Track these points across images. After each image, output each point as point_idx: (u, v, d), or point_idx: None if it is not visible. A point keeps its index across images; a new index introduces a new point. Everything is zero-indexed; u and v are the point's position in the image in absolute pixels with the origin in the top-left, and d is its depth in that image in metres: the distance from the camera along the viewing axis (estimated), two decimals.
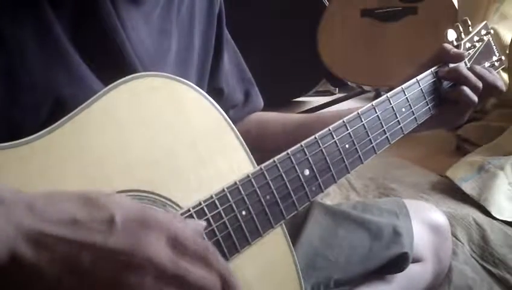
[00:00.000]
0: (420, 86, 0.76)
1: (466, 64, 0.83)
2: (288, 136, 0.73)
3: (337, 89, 2.61)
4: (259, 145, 0.75)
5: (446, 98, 0.80)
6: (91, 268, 0.43)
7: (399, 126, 0.73)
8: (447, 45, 0.81)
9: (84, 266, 0.43)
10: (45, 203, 0.44)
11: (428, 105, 0.78)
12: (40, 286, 0.43)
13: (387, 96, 0.72)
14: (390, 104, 0.72)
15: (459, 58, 0.81)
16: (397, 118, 0.73)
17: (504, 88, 0.81)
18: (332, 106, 2.29)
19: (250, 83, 0.89)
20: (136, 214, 0.45)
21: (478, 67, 0.81)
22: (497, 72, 0.89)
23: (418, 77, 0.77)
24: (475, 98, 0.78)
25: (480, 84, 0.79)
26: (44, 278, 0.42)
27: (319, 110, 2.27)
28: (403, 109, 0.74)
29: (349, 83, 2.25)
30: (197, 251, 0.46)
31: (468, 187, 1.38)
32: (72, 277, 0.43)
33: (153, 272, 0.44)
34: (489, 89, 0.80)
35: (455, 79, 0.79)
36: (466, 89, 0.78)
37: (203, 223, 0.51)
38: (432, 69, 0.79)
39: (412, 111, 0.75)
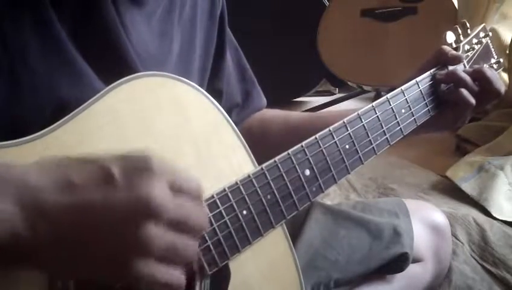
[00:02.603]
0: (420, 88, 0.77)
1: (465, 66, 0.83)
2: (289, 134, 0.72)
3: (337, 89, 2.61)
4: (262, 143, 0.75)
5: (445, 100, 0.80)
6: (96, 231, 0.42)
7: (398, 127, 0.73)
8: (445, 47, 0.81)
9: (91, 229, 0.42)
10: (39, 172, 0.43)
11: (427, 106, 0.78)
12: (44, 260, 0.42)
13: (387, 97, 0.72)
14: (390, 105, 0.72)
15: (457, 60, 0.81)
16: (397, 119, 0.73)
17: (503, 90, 0.81)
18: (332, 106, 2.29)
19: (251, 83, 0.88)
20: (133, 162, 0.44)
21: (485, 68, 0.80)
22: (498, 74, 0.89)
23: (418, 78, 0.77)
24: (472, 100, 0.78)
25: (475, 88, 0.79)
26: (46, 252, 0.42)
27: (319, 110, 2.28)
28: (403, 110, 0.74)
29: (349, 83, 2.25)
30: (193, 188, 0.47)
31: (468, 187, 1.38)
32: (80, 242, 0.42)
33: (163, 218, 0.43)
34: (489, 90, 0.80)
35: (453, 81, 0.79)
36: (464, 91, 0.78)
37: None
38: (431, 70, 0.79)
39: (412, 112, 0.75)
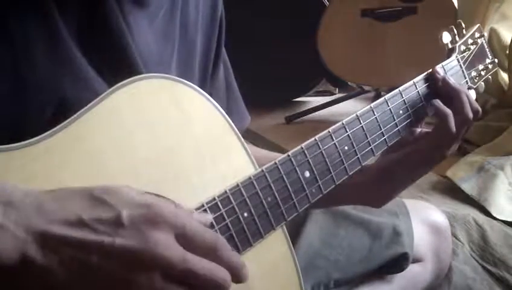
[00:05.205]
0: (417, 88, 0.75)
1: (461, 67, 0.83)
2: None
3: (337, 89, 2.61)
4: None
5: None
6: (100, 269, 0.43)
7: (396, 128, 0.73)
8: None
9: (93, 267, 0.43)
10: (52, 204, 0.44)
11: (425, 108, 0.76)
12: (49, 287, 0.43)
13: (385, 98, 0.73)
14: (388, 106, 0.72)
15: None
16: (395, 120, 0.73)
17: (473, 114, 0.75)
18: (332, 106, 2.29)
19: (234, 100, 0.84)
20: (143, 210, 0.45)
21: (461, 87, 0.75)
22: (498, 73, 0.90)
23: (415, 79, 0.75)
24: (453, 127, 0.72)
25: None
26: (53, 279, 0.43)
27: (319, 110, 2.28)
28: (401, 111, 0.74)
29: (349, 83, 2.25)
30: (206, 244, 0.46)
31: (468, 187, 1.39)
32: (81, 277, 0.43)
33: (162, 270, 0.44)
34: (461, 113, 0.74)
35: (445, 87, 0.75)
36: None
37: (210, 217, 0.51)
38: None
39: (409, 114, 0.74)
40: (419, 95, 0.76)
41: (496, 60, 0.89)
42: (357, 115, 0.68)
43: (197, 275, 0.45)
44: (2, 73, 0.54)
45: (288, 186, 0.61)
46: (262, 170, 0.60)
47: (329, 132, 0.65)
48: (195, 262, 0.45)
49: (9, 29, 0.54)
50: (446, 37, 0.83)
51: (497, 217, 1.29)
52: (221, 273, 0.46)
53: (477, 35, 0.87)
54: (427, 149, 0.74)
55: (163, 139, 0.57)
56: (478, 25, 0.88)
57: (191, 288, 0.45)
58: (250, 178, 0.59)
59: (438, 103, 0.74)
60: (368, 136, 0.69)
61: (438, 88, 0.76)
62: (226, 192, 0.56)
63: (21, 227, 0.42)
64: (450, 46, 0.83)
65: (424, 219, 0.95)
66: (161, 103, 0.57)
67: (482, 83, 0.86)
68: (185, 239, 0.45)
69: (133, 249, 0.43)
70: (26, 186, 0.46)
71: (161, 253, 0.44)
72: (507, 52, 1.75)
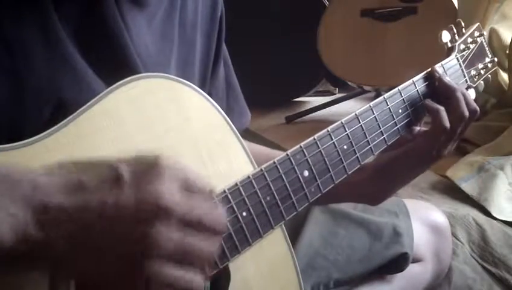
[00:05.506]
0: (416, 87, 0.76)
1: (461, 66, 0.83)
2: None
3: (337, 89, 2.61)
4: None
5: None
6: (106, 231, 0.42)
7: (396, 127, 0.73)
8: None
9: (98, 231, 0.42)
10: (48, 178, 0.43)
11: (424, 107, 0.76)
12: (54, 263, 0.42)
13: (384, 97, 0.72)
14: (387, 105, 0.72)
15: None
16: (394, 119, 0.73)
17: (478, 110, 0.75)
18: (332, 106, 2.29)
19: (235, 99, 0.84)
20: (143, 164, 0.44)
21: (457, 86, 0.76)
22: (498, 73, 0.90)
23: (414, 78, 0.76)
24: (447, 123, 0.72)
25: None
26: (55, 253, 0.42)
27: (319, 110, 2.28)
28: (400, 110, 0.74)
29: (349, 83, 2.26)
30: (205, 192, 0.46)
31: (468, 187, 1.38)
32: (85, 246, 0.42)
33: (173, 218, 0.42)
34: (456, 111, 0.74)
35: (441, 87, 0.76)
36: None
37: None
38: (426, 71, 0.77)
39: (409, 112, 0.74)
40: (419, 94, 0.76)
41: (496, 59, 0.89)
42: (356, 114, 0.68)
43: (203, 222, 0.44)
44: (0, 73, 0.54)
45: (287, 186, 0.61)
46: (261, 169, 0.60)
47: (328, 131, 0.65)
48: (203, 207, 0.44)
49: (6, 30, 0.54)
50: (445, 36, 0.83)
51: (497, 217, 1.29)
52: (223, 222, 0.46)
53: (476, 34, 0.87)
54: (424, 147, 0.74)
55: (162, 139, 0.57)
56: (478, 23, 0.88)
57: (198, 233, 0.44)
58: (249, 177, 0.58)
59: (428, 101, 0.75)
60: (367, 135, 0.69)
61: (435, 87, 0.76)
62: (224, 191, 0.56)
63: (17, 204, 0.41)
64: (449, 45, 0.83)
65: (424, 219, 0.95)
66: (159, 102, 0.57)
67: (482, 82, 0.86)
68: (188, 186, 0.45)
69: (139, 203, 0.42)
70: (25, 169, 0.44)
71: (168, 203, 0.42)
72: (507, 52, 1.75)
